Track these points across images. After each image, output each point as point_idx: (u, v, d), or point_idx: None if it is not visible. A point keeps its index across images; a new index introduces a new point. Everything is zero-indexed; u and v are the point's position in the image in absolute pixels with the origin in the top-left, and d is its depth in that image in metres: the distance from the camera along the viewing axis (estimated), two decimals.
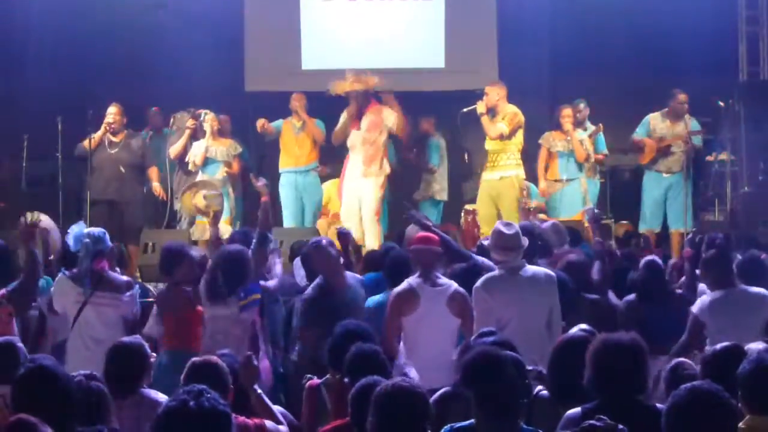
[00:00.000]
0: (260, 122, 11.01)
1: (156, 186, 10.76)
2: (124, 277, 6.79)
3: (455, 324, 6.32)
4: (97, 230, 6.74)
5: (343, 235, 7.77)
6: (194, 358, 4.71)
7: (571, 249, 8.14)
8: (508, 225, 6.47)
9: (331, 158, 11.49)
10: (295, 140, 10.99)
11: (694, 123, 11.01)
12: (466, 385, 4.12)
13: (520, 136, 10.63)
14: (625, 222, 11.53)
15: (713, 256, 6.51)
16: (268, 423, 4.58)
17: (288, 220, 11.01)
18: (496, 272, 6.39)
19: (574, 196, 10.84)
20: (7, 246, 7.08)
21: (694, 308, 6.34)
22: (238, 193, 11.10)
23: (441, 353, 6.10)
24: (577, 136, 10.90)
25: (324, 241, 7.11)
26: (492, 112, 10.55)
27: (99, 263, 6.51)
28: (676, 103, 10.98)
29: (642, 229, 11.04)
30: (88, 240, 6.51)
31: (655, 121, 11.06)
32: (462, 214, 10.96)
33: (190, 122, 10.89)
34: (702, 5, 12.30)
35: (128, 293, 6.58)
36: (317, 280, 6.95)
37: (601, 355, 4.22)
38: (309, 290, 6.94)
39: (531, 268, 6.39)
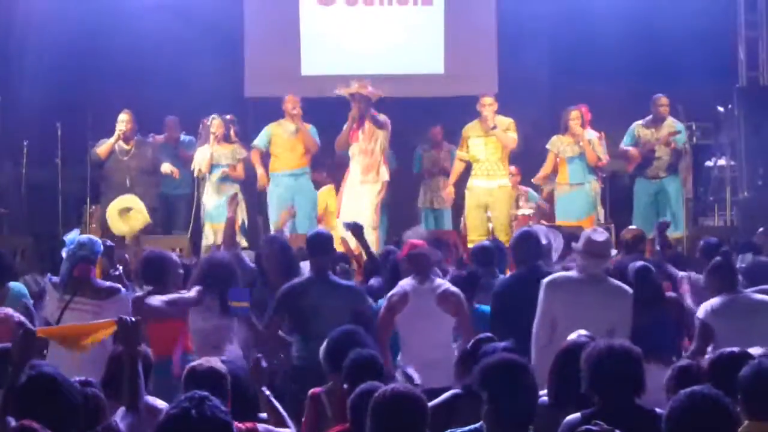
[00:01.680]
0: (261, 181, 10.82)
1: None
2: (107, 283, 6.49)
3: (448, 321, 6.33)
4: (85, 237, 6.68)
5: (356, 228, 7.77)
6: (194, 363, 4.67)
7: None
8: (599, 232, 6.36)
9: (322, 165, 11.49)
10: (288, 143, 10.71)
11: (677, 125, 11.03)
12: (484, 388, 4.05)
13: None
14: (633, 227, 11.50)
15: (719, 264, 6.52)
16: (260, 427, 4.56)
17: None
18: (573, 274, 6.29)
19: (584, 201, 10.75)
20: (7, 251, 7.09)
21: (700, 314, 6.31)
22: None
23: (435, 351, 6.12)
24: (585, 137, 10.83)
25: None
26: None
27: (81, 269, 6.37)
28: (657, 108, 11.02)
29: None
30: (72, 246, 6.45)
31: (640, 130, 11.08)
32: (462, 219, 10.93)
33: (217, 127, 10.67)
34: (701, 10, 12.29)
35: (113, 298, 6.27)
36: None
37: (594, 360, 4.25)
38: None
39: (610, 281, 6.26)
